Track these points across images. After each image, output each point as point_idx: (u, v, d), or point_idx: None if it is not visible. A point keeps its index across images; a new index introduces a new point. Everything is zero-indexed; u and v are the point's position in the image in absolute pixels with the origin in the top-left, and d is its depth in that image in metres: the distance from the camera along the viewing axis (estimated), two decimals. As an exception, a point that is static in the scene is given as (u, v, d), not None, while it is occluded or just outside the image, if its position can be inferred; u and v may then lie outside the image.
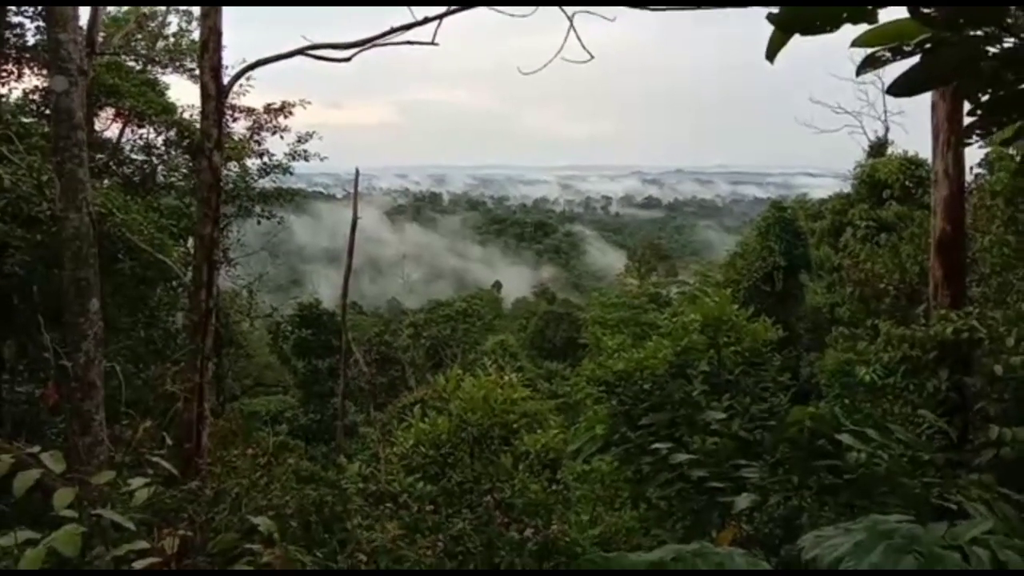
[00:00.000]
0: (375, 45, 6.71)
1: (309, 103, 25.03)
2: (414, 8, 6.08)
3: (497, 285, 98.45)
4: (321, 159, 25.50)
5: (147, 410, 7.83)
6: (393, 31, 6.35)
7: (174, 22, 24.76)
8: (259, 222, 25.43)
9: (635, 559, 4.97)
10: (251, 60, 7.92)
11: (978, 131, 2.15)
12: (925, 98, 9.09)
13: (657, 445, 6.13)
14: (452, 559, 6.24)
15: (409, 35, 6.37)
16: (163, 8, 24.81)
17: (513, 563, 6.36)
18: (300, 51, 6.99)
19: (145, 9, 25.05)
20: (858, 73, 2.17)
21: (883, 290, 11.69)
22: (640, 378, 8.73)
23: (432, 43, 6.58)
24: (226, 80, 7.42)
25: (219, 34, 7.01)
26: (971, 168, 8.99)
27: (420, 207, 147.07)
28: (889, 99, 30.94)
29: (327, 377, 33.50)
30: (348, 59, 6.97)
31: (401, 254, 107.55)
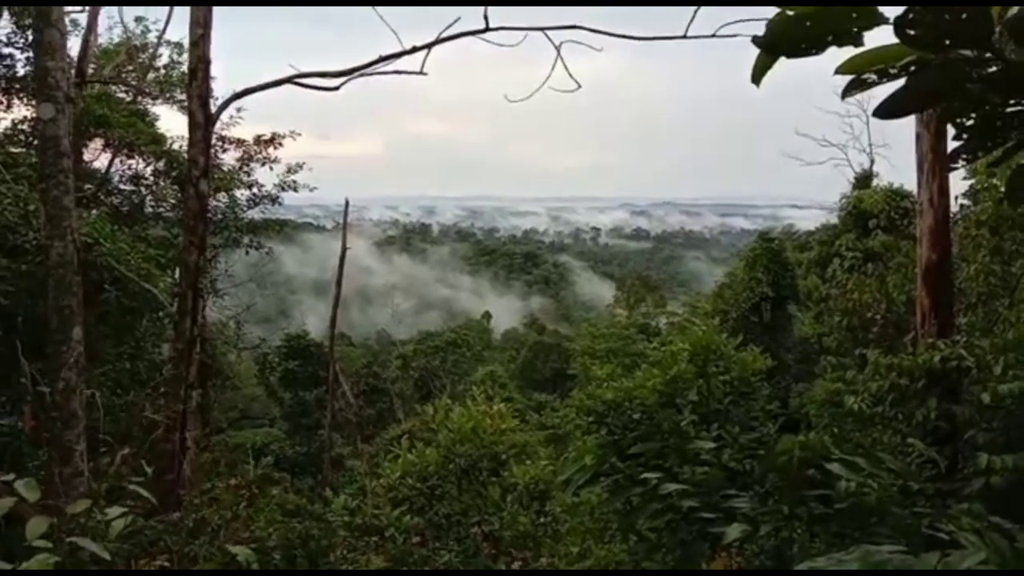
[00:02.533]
0: (363, 74, 6.75)
1: (299, 134, 25.14)
2: (404, 38, 6.12)
3: (487, 316, 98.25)
4: (310, 190, 25.54)
5: (129, 440, 7.72)
6: (381, 60, 6.38)
7: (165, 54, 24.90)
8: (247, 252, 25.32)
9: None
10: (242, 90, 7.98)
11: (963, 156, 2.15)
12: (910, 130, 9.19)
13: (647, 475, 6.07)
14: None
15: (400, 64, 6.43)
16: (154, 39, 24.98)
17: None
18: (288, 80, 7.00)
19: (136, 41, 25.21)
20: (844, 96, 2.18)
21: (870, 319, 11.74)
22: (629, 407, 8.68)
23: (421, 72, 6.63)
24: (214, 108, 7.43)
25: (207, 63, 7.03)
26: (956, 198, 9.10)
27: (410, 238, 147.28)
28: (874, 132, 31.39)
29: (314, 409, 33.20)
30: (336, 88, 7.00)
31: (391, 285, 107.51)
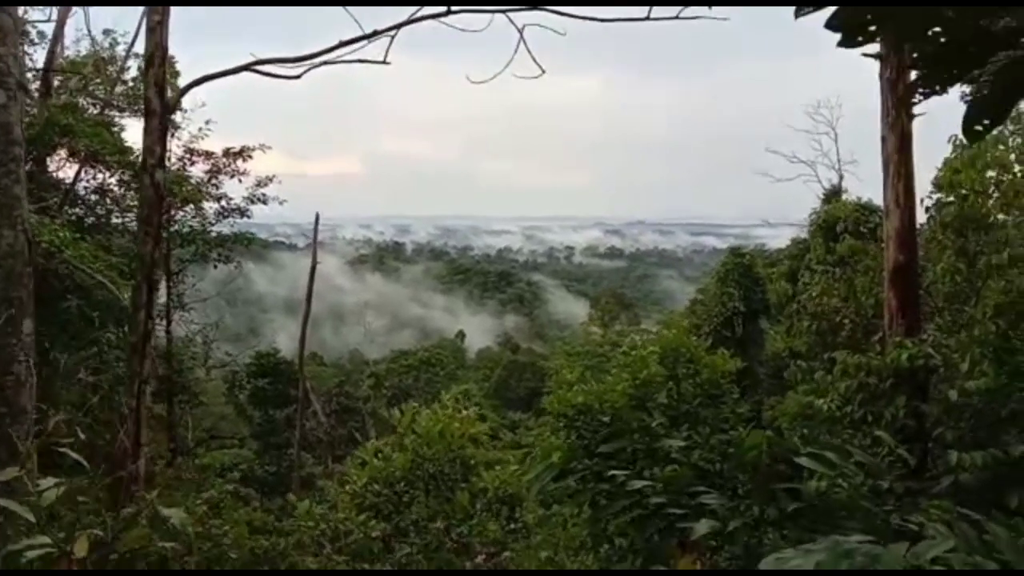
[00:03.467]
0: (325, 61, 6.66)
1: (269, 147, 24.96)
2: (369, 29, 6.05)
3: (460, 335, 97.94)
4: (280, 203, 25.35)
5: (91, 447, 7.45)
6: (342, 44, 6.30)
7: (133, 66, 24.62)
8: (215, 266, 25.01)
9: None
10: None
11: (921, 90, 2.09)
12: (877, 147, 9.26)
13: (614, 471, 5.96)
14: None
15: (363, 53, 6.34)
16: (122, 52, 24.72)
17: None
18: (247, 67, 6.89)
19: (104, 53, 24.92)
20: (796, 15, 2.10)
21: (839, 323, 11.78)
22: (599, 411, 8.58)
23: (384, 62, 6.54)
24: (170, 95, 7.28)
25: (164, 49, 6.90)
26: (921, 200, 9.18)
27: (383, 256, 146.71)
28: (843, 148, 31.84)
29: (284, 428, 32.71)
30: (298, 76, 6.91)
31: (363, 304, 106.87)
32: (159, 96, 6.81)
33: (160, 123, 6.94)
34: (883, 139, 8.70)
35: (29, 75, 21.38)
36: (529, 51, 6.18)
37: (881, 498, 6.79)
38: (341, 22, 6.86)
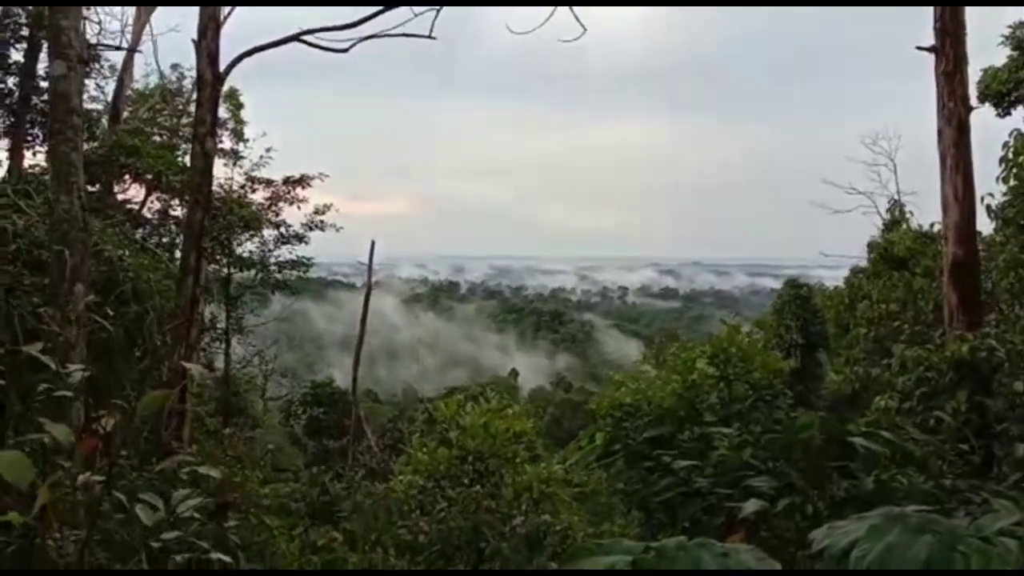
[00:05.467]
0: (373, 35, 6.82)
1: (327, 175, 25.65)
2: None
3: (514, 373, 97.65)
4: (336, 229, 25.83)
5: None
6: (385, 7, 6.44)
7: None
8: (273, 292, 25.71)
9: (632, 544, 4.63)
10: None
11: None
12: (937, 177, 9.00)
13: (660, 451, 5.83)
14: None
15: (408, 27, 6.51)
16: (188, 86, 25.73)
17: (500, 549, 5.98)
18: (295, 37, 7.13)
19: (172, 86, 26.00)
20: None
21: (898, 328, 11.35)
22: (647, 412, 8.43)
23: (429, 36, 6.70)
24: (222, 67, 7.53)
25: (217, 22, 7.17)
26: (982, 199, 8.88)
27: (437, 296, 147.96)
28: (902, 179, 31.09)
29: (338, 458, 32.98)
30: (346, 50, 7.10)
31: (417, 341, 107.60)
32: (211, 67, 7.08)
33: (212, 93, 7.19)
34: (939, 132, 8.50)
35: (99, 106, 22.46)
36: (574, 12, 6.21)
37: (945, 495, 6.49)
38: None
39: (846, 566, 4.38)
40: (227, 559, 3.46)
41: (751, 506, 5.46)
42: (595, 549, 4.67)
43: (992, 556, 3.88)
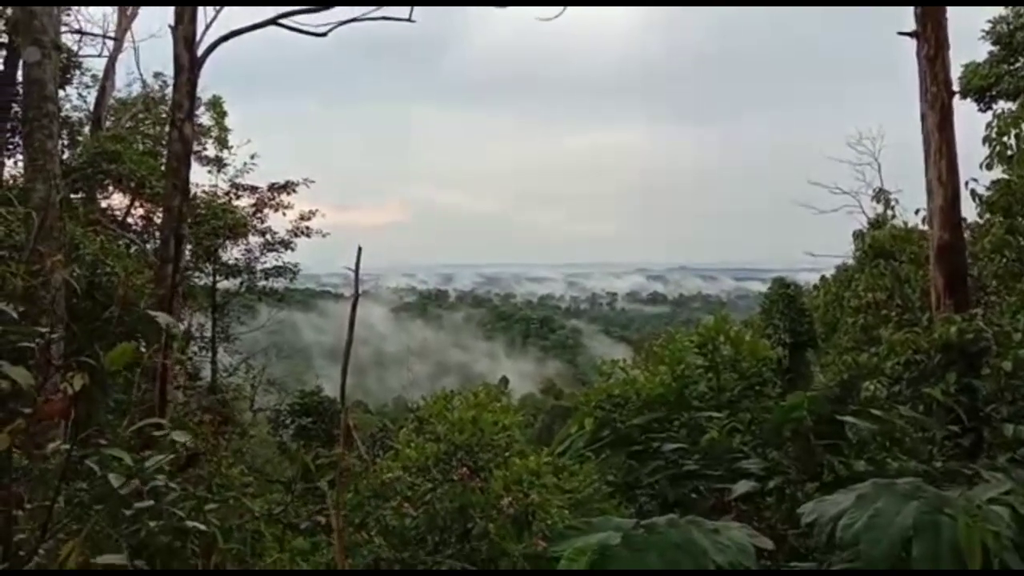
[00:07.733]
0: (354, 19, 6.76)
1: (312, 181, 25.51)
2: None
3: (504, 381, 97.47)
4: (323, 236, 25.68)
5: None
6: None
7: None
8: (260, 298, 25.52)
9: (621, 521, 4.53)
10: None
11: None
12: (921, 174, 9.01)
13: (648, 435, 5.77)
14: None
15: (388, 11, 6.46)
16: (172, 94, 25.60)
17: (487, 529, 5.92)
18: (274, 20, 7.06)
19: (155, 94, 25.80)
20: None
21: (884, 316, 11.36)
22: (635, 402, 8.37)
23: (408, 19, 6.66)
24: (200, 52, 7.45)
25: (194, 8, 7.08)
26: (966, 184, 8.90)
27: (426, 304, 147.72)
28: (887, 178, 31.21)
29: (327, 467, 32.75)
30: (324, 34, 7.03)
31: (407, 350, 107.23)
32: (188, 51, 6.99)
33: (189, 78, 7.10)
34: (923, 117, 8.50)
35: (81, 115, 22.26)
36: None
37: (936, 474, 6.44)
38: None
39: (835, 539, 4.31)
40: (202, 527, 3.37)
41: (742, 487, 5.40)
42: (585, 528, 4.58)
43: (978, 519, 3.82)
